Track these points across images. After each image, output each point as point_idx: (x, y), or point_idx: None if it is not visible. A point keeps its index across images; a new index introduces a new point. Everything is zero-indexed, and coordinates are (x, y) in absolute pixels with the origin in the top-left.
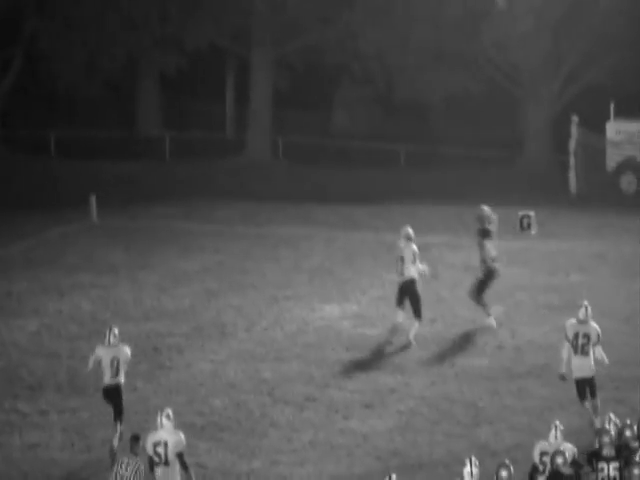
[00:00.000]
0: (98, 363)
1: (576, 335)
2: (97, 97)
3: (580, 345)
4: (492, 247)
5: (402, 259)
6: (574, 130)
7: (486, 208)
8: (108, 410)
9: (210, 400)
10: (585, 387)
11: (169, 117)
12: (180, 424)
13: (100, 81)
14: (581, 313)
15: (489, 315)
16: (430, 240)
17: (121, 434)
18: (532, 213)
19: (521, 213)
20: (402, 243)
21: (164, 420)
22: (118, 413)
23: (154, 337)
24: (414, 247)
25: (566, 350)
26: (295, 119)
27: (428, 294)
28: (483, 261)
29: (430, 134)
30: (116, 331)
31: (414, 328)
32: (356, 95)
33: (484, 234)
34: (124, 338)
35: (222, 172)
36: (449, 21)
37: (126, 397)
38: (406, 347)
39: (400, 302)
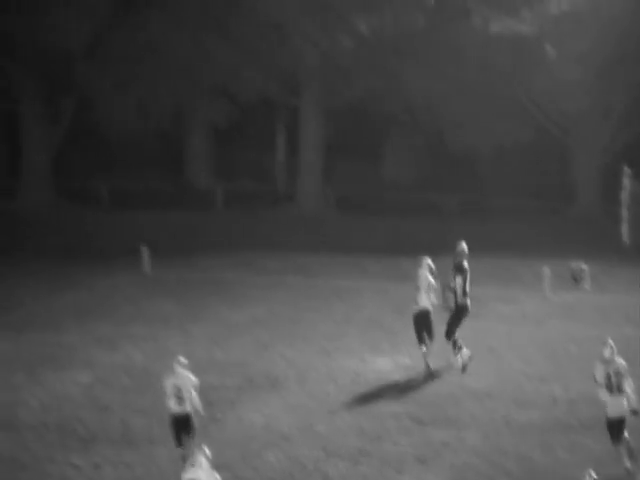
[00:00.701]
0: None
1: (608, 376)
2: (148, 148)
3: (614, 384)
4: (464, 283)
5: (418, 288)
6: (626, 182)
7: (464, 244)
8: (162, 464)
9: (263, 454)
10: (622, 426)
11: (220, 167)
12: (234, 479)
13: (150, 130)
14: (607, 352)
15: (457, 355)
16: (481, 292)
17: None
18: (584, 265)
19: (573, 265)
20: (421, 272)
21: (202, 459)
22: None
23: (205, 389)
24: (430, 278)
25: (603, 394)
26: (345, 169)
27: (480, 346)
28: (454, 295)
29: (480, 184)
30: (182, 360)
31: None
32: (406, 145)
33: (458, 269)
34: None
35: (273, 222)
36: (499, 69)
37: (175, 453)
38: (459, 398)
39: (421, 339)
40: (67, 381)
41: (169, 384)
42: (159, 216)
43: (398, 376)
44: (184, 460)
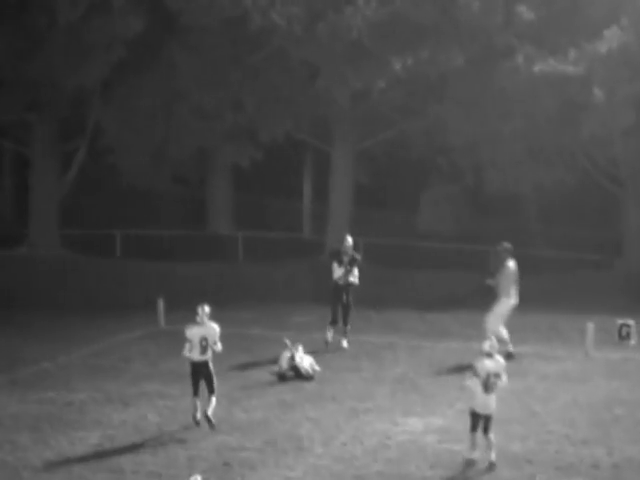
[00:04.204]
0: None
1: (488, 375)
2: (165, 193)
3: (491, 385)
4: (338, 270)
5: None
6: None
7: (350, 239)
8: None
9: None
10: (489, 424)
11: (242, 214)
12: None
13: (168, 175)
14: (487, 346)
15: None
16: (521, 350)
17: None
18: (632, 322)
19: (620, 322)
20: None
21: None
22: (211, 388)
23: (225, 451)
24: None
25: (475, 385)
26: (378, 218)
27: (519, 408)
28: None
29: (521, 234)
30: (207, 309)
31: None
32: (443, 192)
33: (336, 257)
34: (192, 453)
35: (299, 274)
36: (543, 112)
37: None
38: (496, 464)
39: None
40: (76, 441)
41: (196, 334)
42: (177, 266)
43: (431, 438)
44: (196, 409)
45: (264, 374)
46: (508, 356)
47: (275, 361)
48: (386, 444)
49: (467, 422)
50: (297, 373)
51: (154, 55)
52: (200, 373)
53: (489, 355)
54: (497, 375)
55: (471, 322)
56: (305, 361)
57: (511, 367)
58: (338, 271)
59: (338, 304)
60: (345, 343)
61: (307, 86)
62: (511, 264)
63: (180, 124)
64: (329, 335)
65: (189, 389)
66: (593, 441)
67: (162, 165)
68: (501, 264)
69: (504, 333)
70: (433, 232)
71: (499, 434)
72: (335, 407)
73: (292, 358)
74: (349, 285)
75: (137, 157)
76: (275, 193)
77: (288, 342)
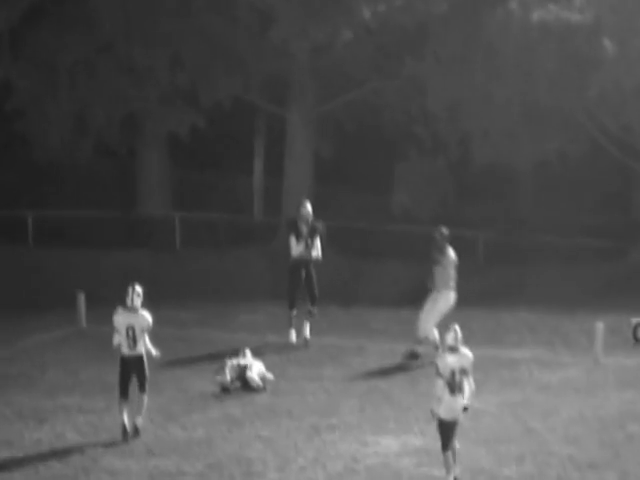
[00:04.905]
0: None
1: (452, 373)
2: (87, 167)
3: (457, 383)
4: (297, 245)
5: None
6: None
7: (308, 204)
8: None
9: None
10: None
11: (180, 192)
12: None
13: (90, 145)
14: (450, 338)
15: None
16: (517, 355)
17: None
18: None
19: (635, 320)
20: None
21: None
22: (142, 386)
23: (160, 477)
24: None
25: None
26: (344, 197)
27: (513, 424)
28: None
29: (516, 219)
30: (138, 289)
31: None
32: (422, 168)
33: (293, 228)
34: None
35: (248, 265)
36: (542, 69)
37: None
38: None
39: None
40: None
41: (122, 321)
42: (102, 255)
43: (407, 461)
44: (123, 416)
45: (207, 384)
46: (412, 355)
47: (220, 369)
48: (353, 468)
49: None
50: (245, 384)
51: (74, 1)
52: (130, 372)
53: (452, 349)
54: (463, 371)
55: (456, 322)
56: (254, 369)
57: (505, 375)
58: (297, 247)
59: (297, 286)
60: (307, 331)
61: (258, 39)
62: (452, 252)
63: (105, 85)
64: (292, 335)
65: (115, 403)
66: (602, 464)
67: (83, 133)
68: (440, 252)
69: (436, 334)
70: (410, 215)
71: (489, 455)
72: (292, 424)
73: (240, 365)
74: (310, 262)
75: (53, 123)
76: (220, 167)
77: (248, 352)
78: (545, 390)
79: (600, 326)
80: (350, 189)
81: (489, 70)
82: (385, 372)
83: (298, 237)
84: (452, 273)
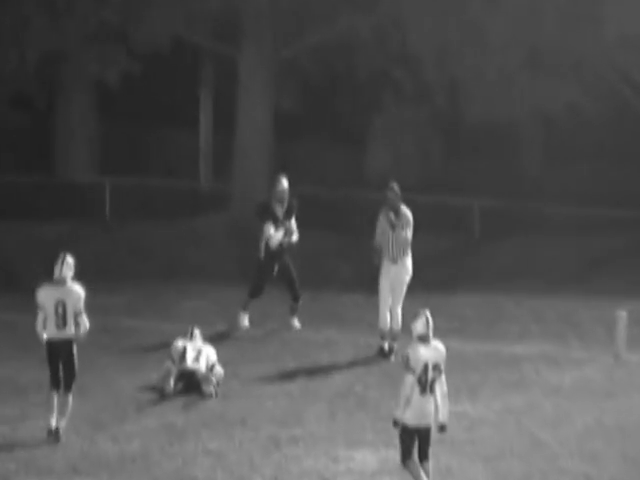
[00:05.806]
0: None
1: (425, 369)
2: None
3: (429, 382)
4: (276, 233)
5: None
6: None
7: (285, 180)
8: None
9: None
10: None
11: (110, 153)
12: None
13: (4, 98)
14: (419, 326)
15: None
16: (520, 351)
17: None
18: None
19: None
20: None
21: None
22: (68, 381)
23: None
24: None
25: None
26: (309, 158)
27: (517, 435)
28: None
29: (518, 184)
30: (69, 260)
31: None
32: (403, 120)
33: (267, 213)
34: None
35: (191, 240)
36: (550, 3)
37: None
38: None
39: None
40: None
41: (50, 297)
42: (15, 227)
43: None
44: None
45: (141, 388)
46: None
47: (158, 367)
48: None
49: (437, 456)
50: (190, 381)
51: None
52: (59, 356)
53: (423, 339)
54: (437, 367)
55: (443, 308)
56: (203, 355)
57: (506, 375)
58: (276, 234)
59: (270, 278)
60: (296, 322)
61: None
62: (408, 213)
63: (18, 22)
64: (245, 319)
65: (30, 410)
66: None
67: None
68: (396, 214)
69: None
70: (387, 177)
71: (487, 473)
72: (247, 435)
73: (183, 356)
74: (287, 250)
75: None
76: (158, 122)
77: (197, 333)
78: (555, 393)
79: (622, 315)
80: (317, 148)
81: (484, 6)
82: (359, 371)
83: (275, 222)
84: (410, 238)
